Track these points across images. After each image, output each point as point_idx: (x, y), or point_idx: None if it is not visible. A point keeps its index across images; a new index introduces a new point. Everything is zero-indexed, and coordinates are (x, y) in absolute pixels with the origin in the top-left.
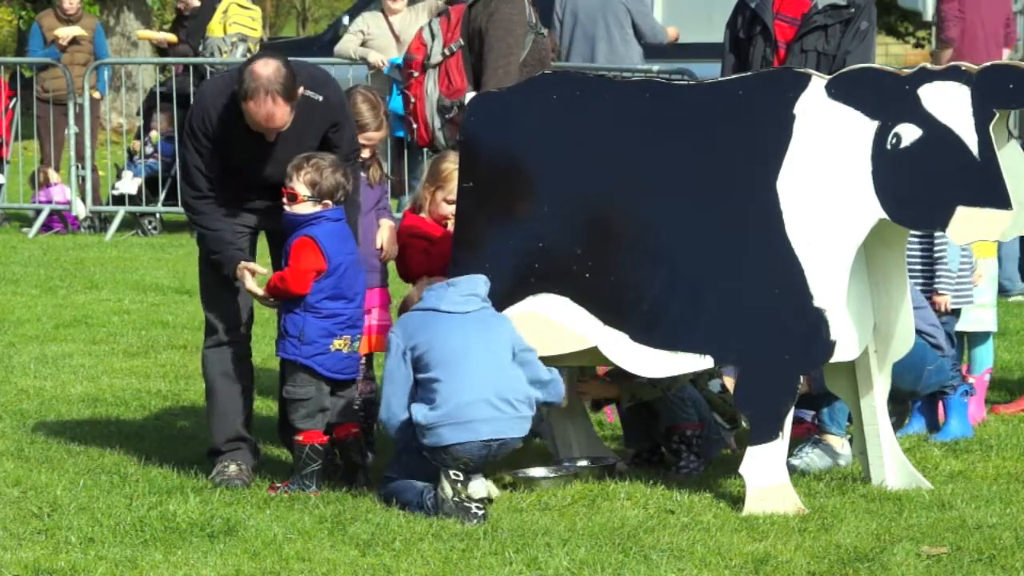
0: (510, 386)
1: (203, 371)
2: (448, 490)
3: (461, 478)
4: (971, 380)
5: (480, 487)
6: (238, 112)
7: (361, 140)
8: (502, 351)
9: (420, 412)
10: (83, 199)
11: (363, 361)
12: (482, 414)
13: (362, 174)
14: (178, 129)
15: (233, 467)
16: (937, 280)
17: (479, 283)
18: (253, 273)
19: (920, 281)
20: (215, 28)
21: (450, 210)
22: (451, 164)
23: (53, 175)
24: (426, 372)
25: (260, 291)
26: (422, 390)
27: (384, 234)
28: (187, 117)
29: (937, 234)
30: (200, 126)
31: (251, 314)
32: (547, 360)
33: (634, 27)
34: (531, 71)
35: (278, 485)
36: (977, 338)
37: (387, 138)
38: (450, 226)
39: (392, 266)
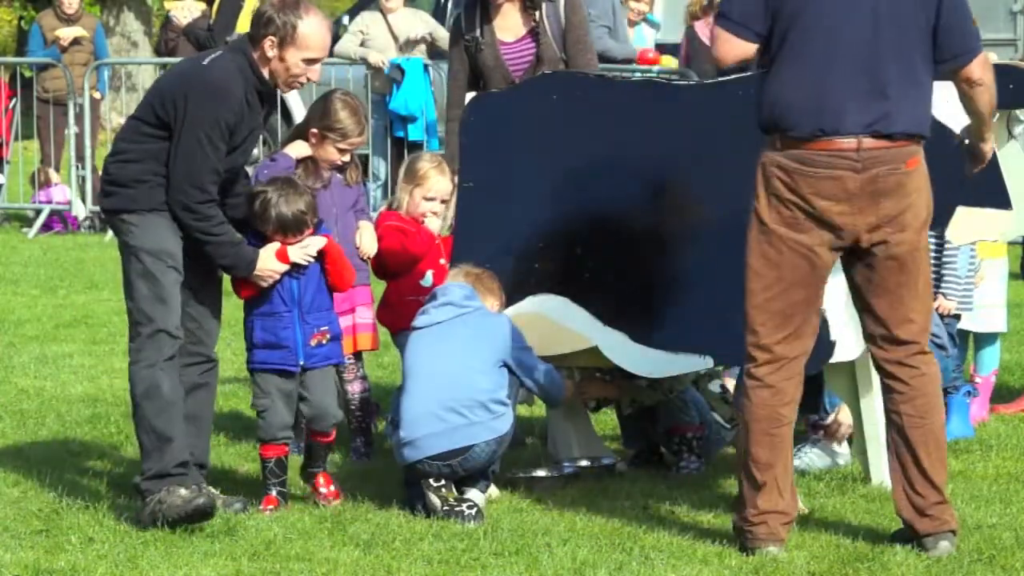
0: (457, 395)
1: (150, 389)
2: (435, 500)
3: (443, 482)
4: (978, 380)
5: (477, 496)
6: (249, 89)
7: (342, 146)
8: (469, 358)
9: (392, 434)
10: (83, 199)
11: (352, 360)
12: (427, 428)
13: (338, 175)
14: (190, 127)
15: (184, 491)
16: (944, 284)
17: (452, 290)
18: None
19: None
20: (246, 24)
21: (428, 207)
22: (426, 163)
23: (53, 175)
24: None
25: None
26: None
27: (363, 233)
28: (207, 113)
29: (947, 238)
30: (230, 117)
31: None
32: (547, 360)
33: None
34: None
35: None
36: (985, 339)
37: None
38: (427, 223)
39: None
